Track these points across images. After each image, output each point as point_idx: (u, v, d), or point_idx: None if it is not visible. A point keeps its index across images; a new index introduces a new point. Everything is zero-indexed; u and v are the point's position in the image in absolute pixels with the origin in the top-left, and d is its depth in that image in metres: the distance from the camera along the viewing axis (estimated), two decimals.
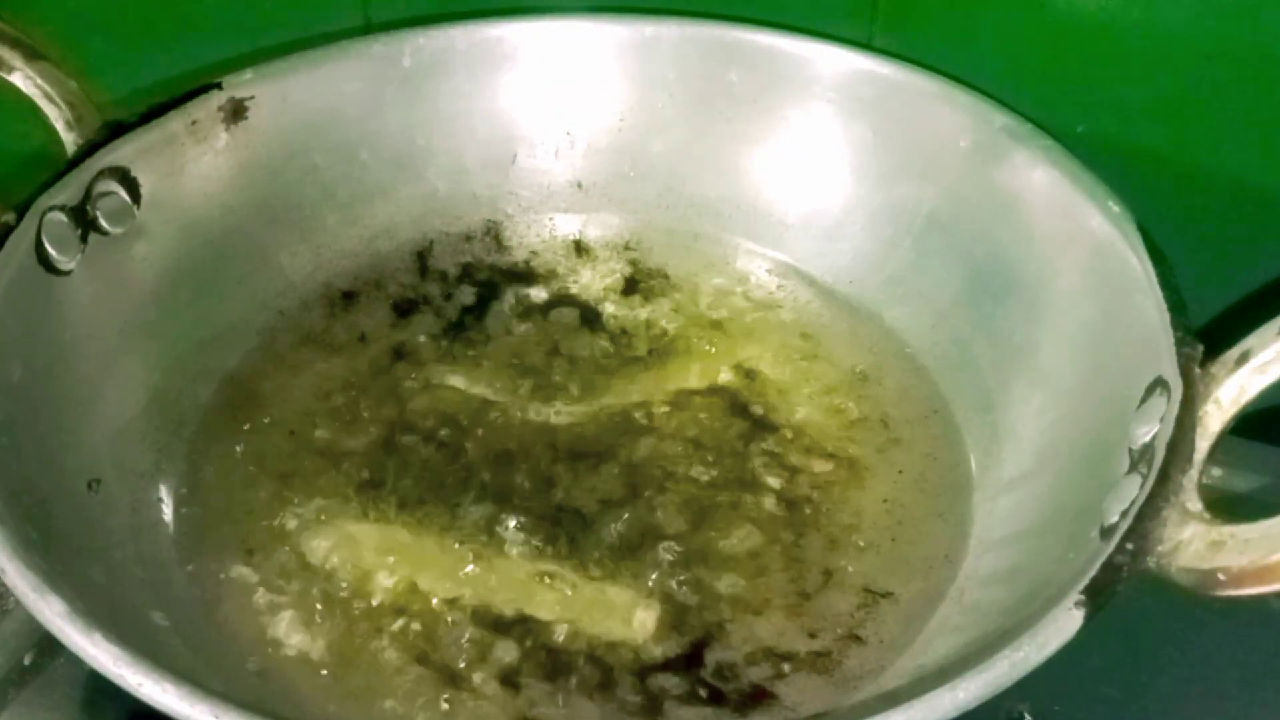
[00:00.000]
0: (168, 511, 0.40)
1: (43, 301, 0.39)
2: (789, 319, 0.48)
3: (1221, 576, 0.29)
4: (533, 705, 0.35)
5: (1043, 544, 0.36)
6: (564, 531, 0.40)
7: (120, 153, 0.43)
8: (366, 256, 0.50)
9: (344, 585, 0.38)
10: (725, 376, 0.45)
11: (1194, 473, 0.31)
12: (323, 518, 0.40)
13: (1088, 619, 0.28)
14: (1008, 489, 0.40)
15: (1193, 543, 0.30)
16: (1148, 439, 0.33)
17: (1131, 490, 0.31)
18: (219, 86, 0.46)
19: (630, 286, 0.49)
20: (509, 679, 0.36)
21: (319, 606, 0.38)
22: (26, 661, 0.39)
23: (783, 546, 0.40)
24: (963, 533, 0.40)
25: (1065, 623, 0.28)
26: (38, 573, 0.30)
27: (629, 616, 0.37)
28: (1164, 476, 0.31)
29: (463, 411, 0.44)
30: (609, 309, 0.48)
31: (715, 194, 0.51)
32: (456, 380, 0.45)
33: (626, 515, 0.40)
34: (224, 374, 0.45)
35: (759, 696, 0.36)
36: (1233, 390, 0.32)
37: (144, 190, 0.43)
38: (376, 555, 0.39)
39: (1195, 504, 0.30)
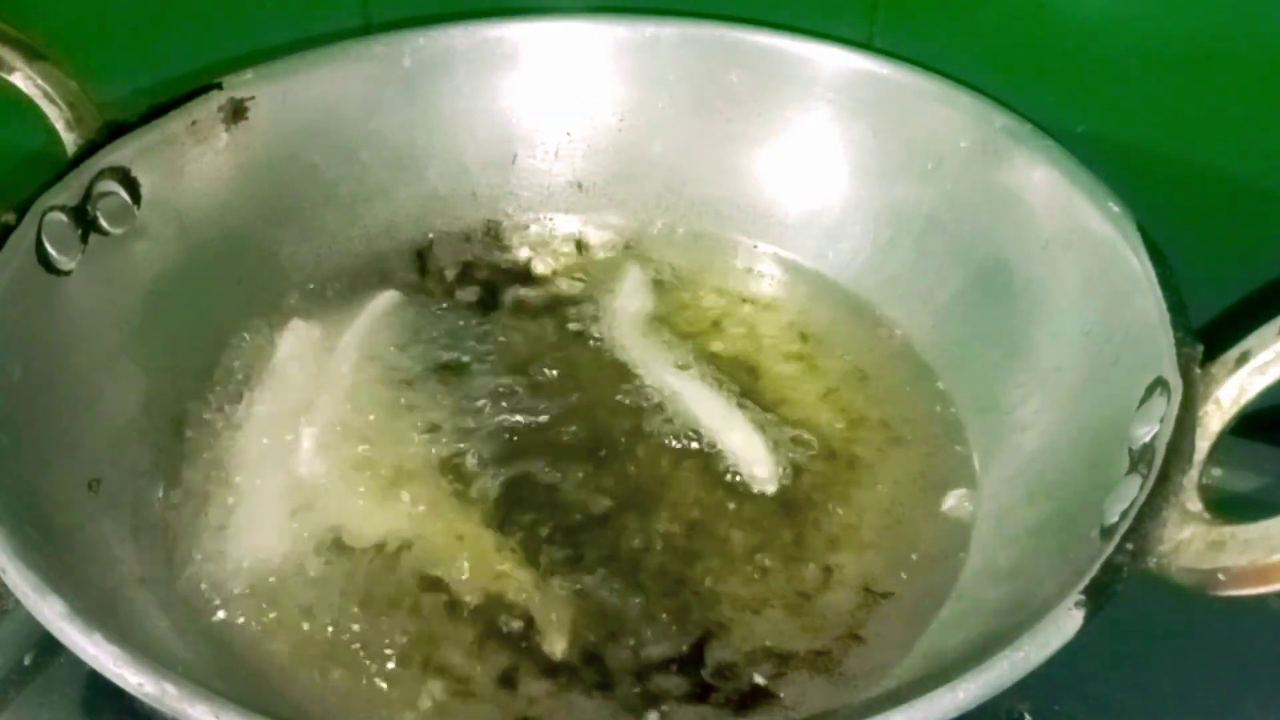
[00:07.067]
0: (167, 511, 0.40)
1: (43, 301, 0.39)
2: (789, 319, 0.48)
3: (1221, 577, 0.29)
4: (532, 703, 0.35)
5: (1043, 544, 0.36)
6: (560, 534, 0.40)
7: (120, 153, 0.43)
8: (367, 256, 0.50)
9: (345, 582, 0.38)
10: (725, 376, 0.45)
11: (1194, 473, 0.31)
12: (323, 516, 0.40)
13: (1088, 619, 0.28)
14: (1008, 488, 0.40)
15: (1193, 543, 0.30)
16: (1148, 439, 0.33)
17: (1131, 490, 0.32)
18: (219, 87, 0.46)
19: (630, 287, 0.49)
20: (506, 676, 0.36)
21: (320, 605, 0.38)
22: (27, 661, 0.39)
23: (783, 546, 0.40)
24: (963, 532, 0.40)
25: (1065, 623, 0.28)
26: (38, 573, 0.30)
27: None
28: (1164, 477, 0.31)
29: (462, 409, 0.44)
30: (608, 309, 0.48)
31: (715, 194, 0.51)
32: (455, 379, 0.45)
33: (622, 523, 0.40)
34: (224, 373, 0.45)
35: (759, 696, 0.36)
36: (1232, 390, 0.32)
37: (144, 190, 0.43)
38: (378, 550, 0.39)
39: (1195, 504, 0.30)
